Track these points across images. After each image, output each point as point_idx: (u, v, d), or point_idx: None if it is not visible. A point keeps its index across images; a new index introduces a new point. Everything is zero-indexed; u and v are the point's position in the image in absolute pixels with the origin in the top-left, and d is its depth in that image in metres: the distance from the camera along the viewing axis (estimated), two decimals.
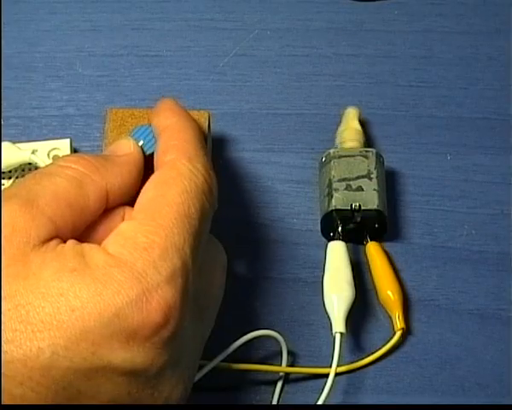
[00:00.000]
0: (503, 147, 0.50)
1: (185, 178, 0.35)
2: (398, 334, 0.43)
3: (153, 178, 0.35)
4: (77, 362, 0.30)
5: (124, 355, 0.30)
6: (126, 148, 0.38)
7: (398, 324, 0.43)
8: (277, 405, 0.42)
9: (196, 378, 0.39)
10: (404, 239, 0.47)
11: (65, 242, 0.32)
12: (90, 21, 0.53)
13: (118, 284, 0.31)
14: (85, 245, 0.32)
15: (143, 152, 0.38)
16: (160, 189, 0.34)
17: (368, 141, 0.49)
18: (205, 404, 0.42)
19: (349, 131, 0.48)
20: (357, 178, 0.45)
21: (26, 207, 0.32)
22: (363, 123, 0.49)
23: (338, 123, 0.49)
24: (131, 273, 0.31)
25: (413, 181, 0.48)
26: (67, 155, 0.39)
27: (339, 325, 0.41)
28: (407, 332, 0.44)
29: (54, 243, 0.32)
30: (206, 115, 0.44)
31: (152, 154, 0.39)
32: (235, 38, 0.53)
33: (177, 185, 0.34)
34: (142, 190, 0.35)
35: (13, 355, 0.29)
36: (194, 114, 0.43)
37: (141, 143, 0.38)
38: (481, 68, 0.52)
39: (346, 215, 0.45)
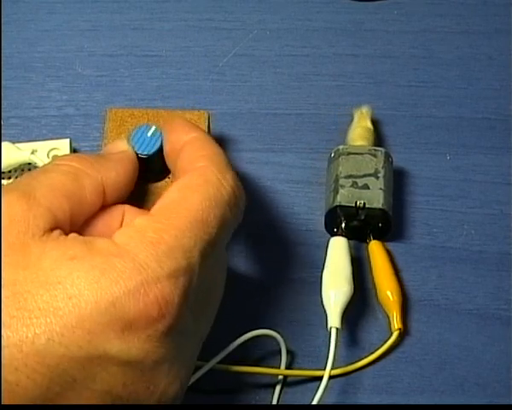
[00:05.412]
0: (502, 147, 0.50)
1: (211, 186, 0.35)
2: (395, 334, 0.43)
3: (179, 181, 0.36)
4: (72, 350, 0.30)
5: (119, 345, 0.31)
6: (120, 147, 0.38)
7: (396, 324, 0.43)
8: (277, 405, 0.42)
9: (194, 379, 0.39)
10: (404, 239, 0.47)
11: (67, 234, 0.33)
12: (90, 21, 0.53)
13: (117, 274, 0.31)
14: (88, 236, 0.33)
15: (144, 153, 0.38)
16: (183, 192, 0.35)
17: (378, 141, 0.49)
18: (204, 404, 0.42)
19: (360, 130, 0.48)
20: (364, 176, 0.45)
21: (23, 198, 0.32)
22: (374, 123, 0.49)
23: (338, 123, 0.49)
24: (133, 264, 0.31)
25: (412, 181, 0.48)
26: (63, 155, 0.40)
27: (334, 320, 0.41)
28: (406, 332, 0.44)
29: (55, 233, 0.32)
30: (206, 115, 0.44)
31: (152, 154, 0.39)
32: (235, 38, 0.53)
33: (201, 192, 0.35)
34: (166, 192, 0.35)
35: (9, 341, 0.29)
36: (194, 114, 0.43)
37: (142, 142, 0.39)
38: (481, 68, 0.52)
39: (351, 212, 0.45)
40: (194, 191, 0.35)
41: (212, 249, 0.34)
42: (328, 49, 0.53)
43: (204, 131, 0.39)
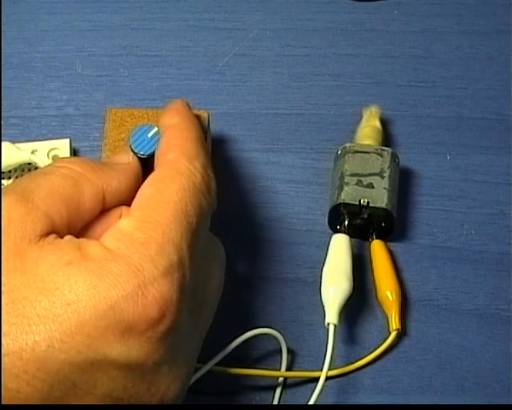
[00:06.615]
0: (502, 147, 0.50)
1: (183, 177, 0.35)
2: (393, 334, 0.43)
3: (151, 176, 0.36)
4: (72, 355, 0.30)
5: (119, 349, 0.31)
6: (125, 158, 0.38)
7: (394, 324, 0.43)
8: (277, 405, 0.42)
9: (194, 380, 0.39)
10: (404, 239, 0.47)
11: (62, 238, 0.33)
12: (90, 21, 0.53)
13: (114, 278, 0.31)
14: (82, 239, 0.33)
15: (143, 153, 0.38)
16: (157, 187, 0.35)
17: (387, 141, 0.49)
18: (204, 404, 0.42)
19: (368, 129, 0.48)
20: (370, 175, 0.45)
21: (22, 202, 0.32)
22: (383, 123, 0.49)
23: (338, 123, 0.50)
24: (128, 267, 0.31)
25: (412, 181, 0.48)
26: (65, 157, 0.40)
27: (332, 317, 0.41)
28: (406, 332, 0.44)
29: (51, 237, 0.32)
30: (206, 115, 0.44)
31: (151, 154, 0.39)
32: (235, 38, 0.53)
33: (174, 183, 0.35)
34: (141, 189, 0.35)
35: (8, 348, 0.29)
36: (194, 113, 0.43)
37: (141, 142, 0.39)
38: (481, 68, 0.52)
39: (354, 210, 0.45)
40: (168, 184, 0.35)
41: (196, 239, 0.34)
42: (328, 49, 0.53)
43: (186, 116, 0.39)
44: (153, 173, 0.36)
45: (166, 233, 0.33)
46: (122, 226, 0.33)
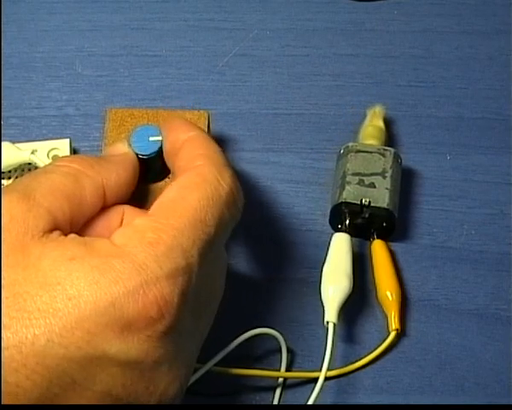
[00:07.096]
0: (502, 147, 0.50)
1: (209, 186, 0.35)
2: (393, 334, 0.43)
3: (178, 180, 0.36)
4: (71, 350, 0.30)
5: (118, 346, 0.31)
6: (121, 149, 0.38)
7: (393, 324, 0.43)
8: (277, 405, 0.42)
9: (193, 380, 0.39)
10: (404, 239, 0.47)
11: (66, 235, 0.33)
12: (90, 21, 0.53)
13: (116, 274, 0.31)
14: (87, 237, 0.33)
15: (144, 153, 0.38)
16: (181, 191, 0.35)
17: (390, 141, 0.49)
18: (203, 404, 0.42)
19: (371, 129, 0.48)
20: (372, 174, 0.45)
21: (23, 199, 0.32)
22: (387, 123, 0.49)
23: (337, 123, 0.50)
24: (132, 264, 0.31)
25: (412, 181, 0.48)
26: (64, 156, 0.40)
27: (331, 315, 0.41)
28: (406, 332, 0.44)
29: (55, 234, 0.32)
30: (206, 115, 0.44)
31: (152, 155, 0.39)
32: (235, 38, 0.53)
33: (199, 191, 0.35)
34: (164, 191, 0.35)
35: (8, 342, 0.29)
36: (194, 113, 0.43)
37: (142, 143, 0.39)
38: (481, 68, 0.52)
39: (355, 209, 0.45)
40: (192, 190, 0.35)
41: (210, 249, 0.34)
42: (328, 49, 0.53)
43: (203, 130, 0.39)
44: (180, 178, 0.36)
45: (177, 237, 0.33)
46: (135, 224, 0.33)
